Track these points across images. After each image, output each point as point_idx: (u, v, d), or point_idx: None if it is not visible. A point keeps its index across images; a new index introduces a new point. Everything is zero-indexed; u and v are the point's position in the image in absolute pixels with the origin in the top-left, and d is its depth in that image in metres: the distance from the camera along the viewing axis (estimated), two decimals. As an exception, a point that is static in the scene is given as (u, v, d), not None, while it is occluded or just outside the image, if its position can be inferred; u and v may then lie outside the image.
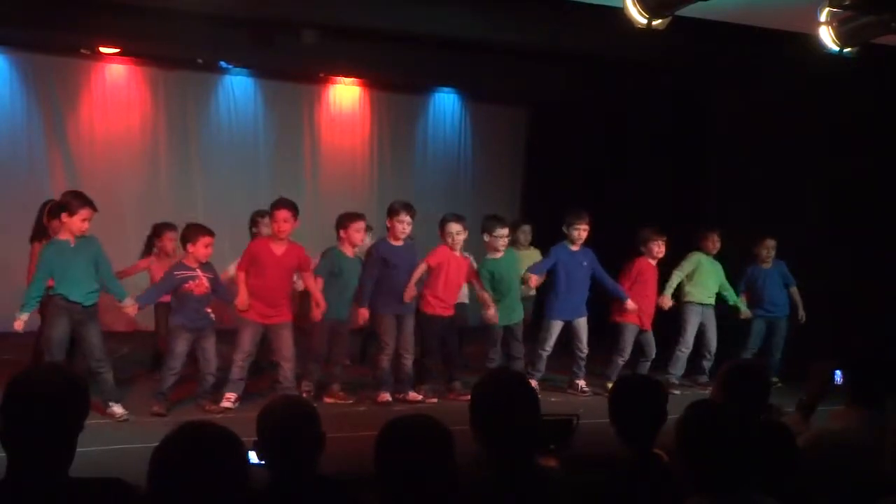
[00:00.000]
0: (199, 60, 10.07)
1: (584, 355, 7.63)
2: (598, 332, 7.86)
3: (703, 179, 9.25)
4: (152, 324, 7.66)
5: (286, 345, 6.67)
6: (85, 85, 9.94)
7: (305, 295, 7.14)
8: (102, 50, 9.65)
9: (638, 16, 5.53)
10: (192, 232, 6.53)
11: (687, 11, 5.78)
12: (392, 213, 7.03)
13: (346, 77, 11.10)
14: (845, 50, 6.03)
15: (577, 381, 7.65)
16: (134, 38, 8.77)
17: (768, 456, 2.97)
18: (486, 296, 7.27)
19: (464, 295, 7.75)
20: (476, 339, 8.14)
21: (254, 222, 7.70)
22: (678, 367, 7.87)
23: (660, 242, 7.69)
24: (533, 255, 8.38)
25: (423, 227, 8.37)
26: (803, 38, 6.26)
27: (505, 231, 7.36)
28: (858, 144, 8.10)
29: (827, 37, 6.01)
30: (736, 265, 8.14)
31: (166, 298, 6.71)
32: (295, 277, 7.00)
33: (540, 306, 8.02)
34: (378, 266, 6.99)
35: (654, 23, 5.55)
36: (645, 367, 7.68)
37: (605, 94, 10.17)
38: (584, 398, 7.45)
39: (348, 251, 6.98)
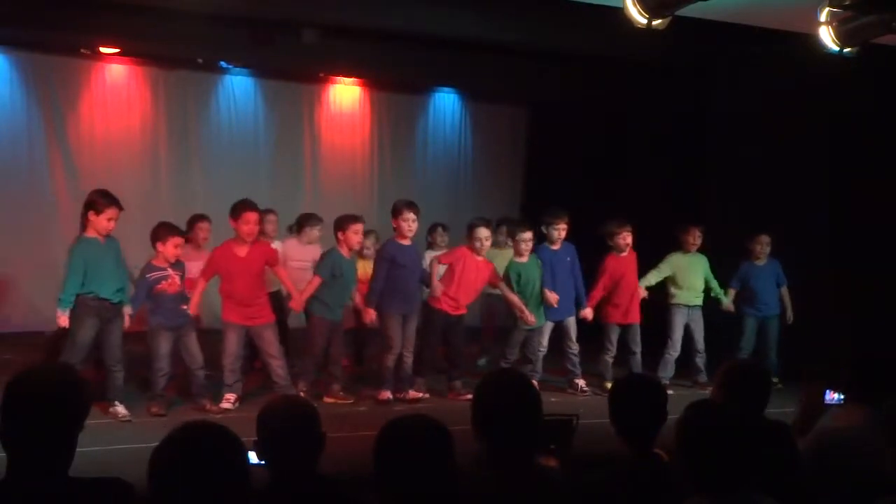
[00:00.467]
0: (199, 60, 10.07)
1: (575, 353, 7.64)
2: (590, 332, 7.87)
3: (702, 179, 9.25)
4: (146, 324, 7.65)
5: (270, 344, 6.68)
6: (85, 85, 9.94)
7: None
8: (102, 50, 9.65)
9: (638, 16, 5.53)
10: (163, 231, 6.52)
11: (687, 11, 5.78)
12: (397, 212, 7.03)
13: (346, 77, 11.10)
14: (845, 50, 6.03)
15: (576, 381, 7.65)
16: (134, 38, 8.77)
17: (768, 456, 2.97)
18: (516, 298, 7.27)
19: None
20: (472, 339, 8.16)
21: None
22: (667, 369, 7.86)
23: (624, 234, 7.65)
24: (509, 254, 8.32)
25: (422, 226, 8.38)
26: (803, 38, 6.25)
27: (528, 235, 7.38)
28: (858, 144, 8.09)
29: (827, 37, 6.00)
30: (731, 265, 8.14)
31: None
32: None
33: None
34: (387, 266, 6.99)
35: (654, 23, 5.55)
36: (636, 363, 7.68)
37: (605, 94, 10.17)
38: (583, 398, 7.45)
39: (346, 253, 6.98)
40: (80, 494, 2.27)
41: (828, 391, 3.75)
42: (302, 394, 6.69)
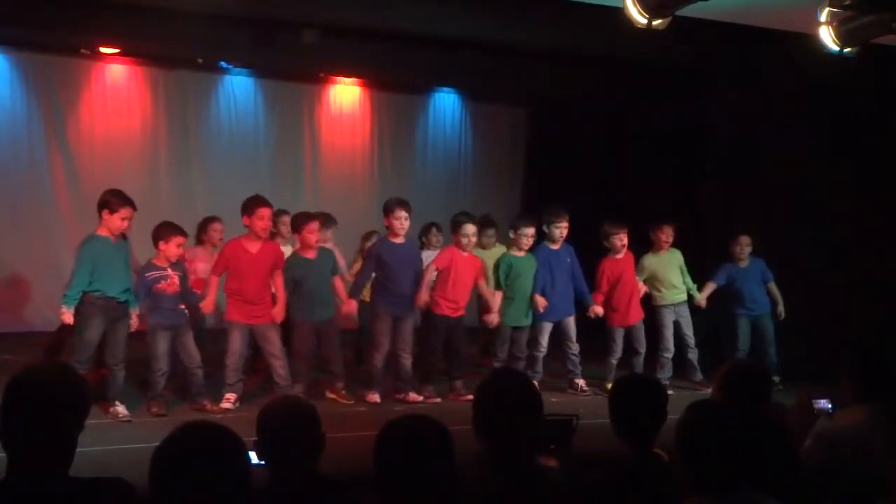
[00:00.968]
0: (200, 60, 10.07)
1: (575, 353, 7.64)
2: (588, 332, 7.87)
3: (702, 179, 9.25)
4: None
5: (273, 344, 6.68)
6: (85, 85, 9.94)
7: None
8: (103, 50, 9.65)
9: (638, 16, 5.53)
10: (165, 231, 6.52)
11: (687, 11, 5.77)
12: (388, 210, 7.03)
13: (346, 77, 11.10)
14: (845, 50, 6.03)
15: (577, 381, 7.65)
16: (134, 38, 8.77)
17: (768, 456, 2.97)
18: (490, 297, 7.27)
19: None
20: (471, 340, 8.15)
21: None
22: (665, 370, 7.85)
23: (621, 235, 7.66)
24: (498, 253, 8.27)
25: (422, 226, 8.40)
26: (803, 38, 6.25)
27: (530, 230, 7.37)
28: (859, 144, 8.09)
29: (827, 37, 6.00)
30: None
31: None
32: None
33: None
34: (373, 264, 6.99)
35: (655, 23, 5.55)
36: (638, 363, 7.70)
37: (605, 94, 10.17)
38: (584, 398, 7.45)
39: (307, 253, 6.95)
40: (81, 494, 2.27)
41: (816, 400, 3.75)
42: (300, 394, 6.70)
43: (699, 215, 8.65)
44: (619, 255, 7.70)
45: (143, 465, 2.10)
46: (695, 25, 6.64)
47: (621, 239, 7.66)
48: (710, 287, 8.05)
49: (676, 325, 7.91)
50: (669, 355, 7.88)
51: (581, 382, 7.65)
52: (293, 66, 10.08)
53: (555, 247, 7.56)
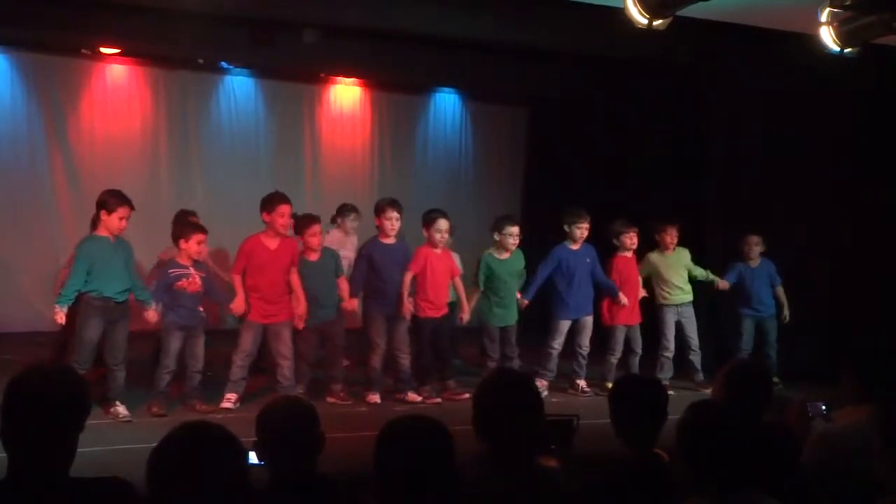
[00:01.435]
0: (200, 60, 10.07)
1: (585, 354, 7.64)
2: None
3: (702, 179, 9.24)
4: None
5: (285, 344, 6.68)
6: (85, 85, 9.94)
7: None
8: (103, 50, 9.65)
9: (638, 16, 5.53)
10: (185, 229, 6.59)
11: (687, 11, 5.78)
12: (379, 210, 7.04)
13: (346, 77, 11.10)
14: (846, 50, 6.03)
15: (578, 382, 7.66)
16: (134, 38, 8.76)
17: (768, 456, 2.97)
18: (463, 295, 7.28)
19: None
20: (472, 340, 8.14)
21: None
22: (665, 370, 7.85)
23: (631, 234, 7.70)
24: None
25: (419, 226, 8.38)
26: (803, 38, 6.26)
27: (515, 230, 7.37)
28: (859, 144, 8.09)
29: (827, 37, 6.01)
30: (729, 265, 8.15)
31: None
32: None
33: (543, 306, 7.97)
34: (366, 264, 7.00)
35: (655, 23, 5.55)
36: (635, 363, 7.71)
37: (605, 93, 10.17)
38: (584, 398, 7.45)
39: (310, 256, 6.94)
40: (81, 494, 2.27)
41: (811, 403, 3.75)
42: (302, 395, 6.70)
43: (699, 215, 8.64)
44: (628, 254, 7.75)
45: (143, 466, 2.10)
46: (695, 25, 6.65)
47: (631, 238, 7.70)
48: (724, 286, 8.04)
49: (679, 325, 7.91)
50: (670, 355, 7.88)
51: (582, 383, 7.64)
52: (293, 66, 10.08)
53: (574, 247, 7.56)
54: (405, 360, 7.10)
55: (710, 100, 9.13)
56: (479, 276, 7.43)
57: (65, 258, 7.29)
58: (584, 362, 7.66)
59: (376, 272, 6.98)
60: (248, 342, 6.63)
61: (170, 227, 7.46)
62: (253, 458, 2.60)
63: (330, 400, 6.91)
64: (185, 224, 6.83)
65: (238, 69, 10.51)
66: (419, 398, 7.05)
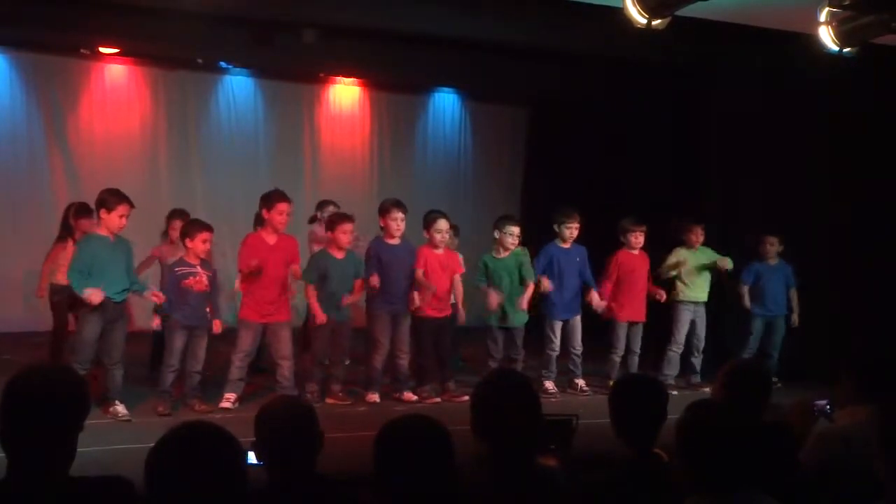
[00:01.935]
0: (199, 60, 10.07)
1: (579, 353, 7.66)
2: (589, 331, 7.86)
3: (702, 179, 9.25)
4: (152, 324, 7.64)
5: (285, 344, 6.68)
6: (85, 85, 9.94)
7: None
8: (102, 50, 9.65)
9: (638, 16, 5.53)
10: (191, 228, 6.58)
11: (687, 11, 5.78)
12: (384, 211, 7.06)
13: (346, 77, 11.10)
14: (845, 50, 6.03)
15: (577, 381, 7.67)
16: (134, 38, 8.77)
17: (768, 456, 2.97)
18: (461, 298, 7.30)
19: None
20: (473, 340, 8.14)
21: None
22: (672, 367, 7.87)
23: (637, 233, 7.71)
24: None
25: (417, 226, 8.37)
26: (803, 38, 6.25)
27: (515, 230, 7.37)
28: (859, 144, 8.09)
29: (827, 37, 6.00)
30: (736, 264, 8.13)
31: None
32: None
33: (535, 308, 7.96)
34: (374, 265, 7.00)
35: (654, 23, 5.55)
36: (634, 362, 7.73)
37: (605, 94, 10.17)
38: (583, 398, 7.45)
39: (336, 253, 6.95)
40: (81, 494, 2.27)
41: (815, 401, 3.76)
42: (310, 395, 6.70)
43: (699, 215, 8.63)
44: (635, 251, 7.75)
45: (143, 466, 2.10)
46: (695, 25, 6.65)
47: (637, 237, 7.71)
48: (744, 290, 8.02)
49: (691, 327, 7.92)
50: (679, 351, 7.90)
51: (581, 382, 7.66)
52: (293, 66, 10.08)
53: (565, 245, 7.58)
54: (404, 361, 7.11)
55: (709, 99, 9.14)
56: (478, 276, 7.44)
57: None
58: (578, 361, 7.68)
59: (381, 272, 6.98)
60: (246, 342, 6.63)
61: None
62: (252, 458, 2.60)
63: (329, 401, 6.90)
64: (189, 222, 6.83)
65: (237, 69, 10.51)
66: (415, 398, 7.06)
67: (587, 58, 8.89)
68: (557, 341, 7.60)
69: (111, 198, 6.10)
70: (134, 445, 5.13)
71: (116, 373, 6.21)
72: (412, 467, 2.39)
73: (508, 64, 9.50)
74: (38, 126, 9.74)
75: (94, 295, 5.91)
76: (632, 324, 7.78)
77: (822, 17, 5.97)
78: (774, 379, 7.31)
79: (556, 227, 7.59)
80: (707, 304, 7.99)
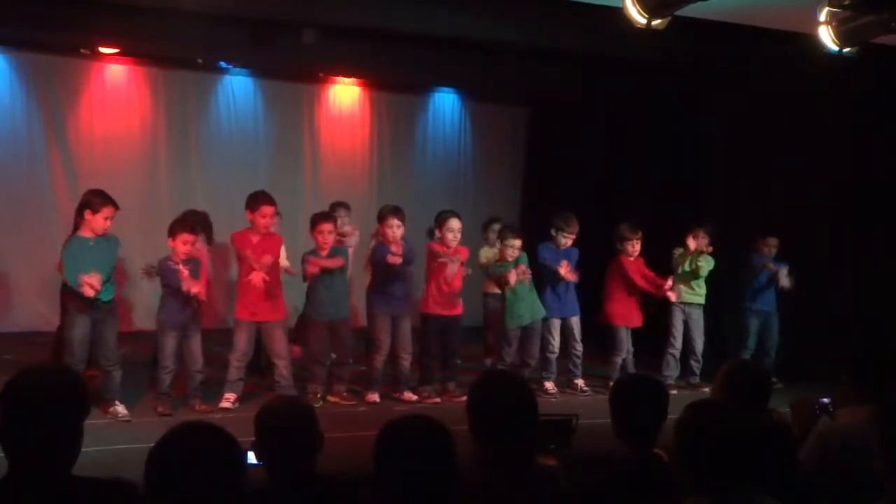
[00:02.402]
0: (199, 60, 10.06)
1: (579, 353, 7.68)
2: (588, 333, 7.87)
3: (702, 179, 9.25)
4: (152, 324, 7.64)
5: (280, 343, 6.68)
6: (85, 85, 9.93)
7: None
8: (102, 50, 9.64)
9: (637, 15, 5.53)
10: (173, 228, 6.55)
11: (687, 11, 5.77)
12: (381, 218, 7.09)
13: (345, 77, 11.09)
14: (845, 50, 6.03)
15: (576, 381, 7.68)
16: (134, 38, 8.76)
17: (768, 456, 2.97)
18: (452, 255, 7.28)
19: None
20: (472, 340, 8.15)
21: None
22: (671, 368, 7.87)
23: (634, 241, 7.72)
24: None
25: (423, 225, 8.38)
26: (803, 38, 6.25)
27: (518, 242, 7.37)
28: (858, 144, 8.09)
29: (826, 37, 6.00)
30: (737, 264, 8.14)
31: None
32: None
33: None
34: (381, 268, 7.01)
35: (654, 23, 5.54)
36: (629, 362, 7.75)
37: (605, 94, 10.17)
38: (583, 398, 7.46)
39: (322, 253, 6.94)
40: (82, 494, 2.27)
41: (823, 400, 3.76)
42: (312, 396, 6.70)
43: (698, 215, 8.63)
44: (632, 258, 7.77)
45: (143, 466, 2.10)
46: (694, 25, 6.64)
47: (634, 245, 7.73)
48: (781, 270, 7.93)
49: (687, 328, 7.92)
50: (676, 353, 7.90)
51: (580, 382, 7.66)
52: (292, 65, 10.07)
53: (561, 248, 7.58)
54: (406, 361, 7.11)
55: (709, 99, 9.14)
56: (494, 268, 7.44)
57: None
58: (578, 361, 7.69)
59: (382, 273, 6.99)
60: (241, 342, 6.64)
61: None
62: (251, 458, 2.60)
63: (332, 399, 6.91)
64: (173, 223, 6.79)
65: (237, 69, 10.50)
66: (415, 397, 7.07)
67: (587, 58, 8.90)
68: (557, 342, 7.59)
69: (96, 199, 6.09)
70: (134, 445, 5.14)
71: (115, 374, 6.21)
72: (413, 467, 2.39)
73: (508, 64, 9.50)
74: (38, 126, 9.73)
75: (88, 283, 5.83)
76: (629, 328, 7.79)
77: (822, 16, 5.97)
78: (774, 379, 7.33)
79: (553, 231, 7.60)
80: (705, 307, 7.99)
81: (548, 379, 7.57)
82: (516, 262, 7.35)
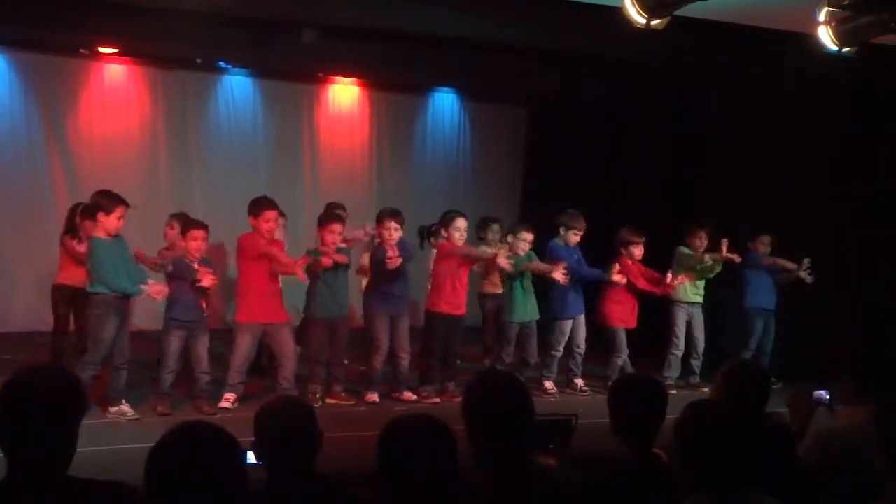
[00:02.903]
0: (198, 60, 10.06)
1: (581, 352, 7.69)
2: (587, 333, 7.88)
3: (702, 179, 9.25)
4: (152, 324, 7.64)
5: (286, 344, 6.68)
6: (84, 85, 9.93)
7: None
8: (101, 50, 9.64)
9: (637, 15, 5.53)
10: (185, 226, 6.64)
11: (686, 11, 5.78)
12: (379, 220, 7.11)
13: (345, 77, 11.09)
14: (844, 50, 6.03)
15: (576, 381, 7.68)
16: (133, 38, 8.76)
17: (768, 456, 2.97)
18: (482, 253, 7.38)
19: None
20: (471, 339, 8.15)
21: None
22: (673, 369, 7.88)
23: (638, 245, 7.72)
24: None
25: (417, 228, 8.38)
26: (802, 38, 6.26)
27: (530, 236, 7.49)
28: (858, 144, 8.10)
29: (826, 37, 6.01)
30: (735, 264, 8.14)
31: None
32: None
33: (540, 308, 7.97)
34: (380, 269, 7.02)
35: (653, 22, 5.55)
36: (627, 363, 7.75)
37: (604, 93, 10.18)
38: (583, 398, 7.46)
39: (326, 251, 6.96)
40: (81, 495, 2.26)
41: (821, 392, 3.76)
42: (312, 396, 6.70)
43: (698, 215, 8.64)
44: (631, 262, 7.78)
45: (143, 466, 2.10)
46: (694, 25, 6.65)
47: (639, 249, 7.73)
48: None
49: (689, 327, 7.93)
50: (679, 353, 7.91)
51: (580, 382, 7.67)
52: (292, 65, 10.08)
53: (570, 245, 7.60)
54: (405, 361, 7.12)
55: (708, 99, 9.14)
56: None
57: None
58: (580, 360, 7.71)
59: (382, 273, 7.00)
60: (244, 346, 6.61)
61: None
62: (251, 458, 2.60)
63: (330, 401, 6.90)
64: (185, 221, 6.87)
65: (236, 69, 10.50)
66: (414, 397, 7.07)
67: (587, 58, 8.90)
68: (564, 341, 7.62)
69: (106, 200, 6.13)
70: (134, 445, 5.15)
71: (123, 372, 6.23)
72: (414, 466, 2.40)
73: (508, 64, 9.50)
74: (38, 126, 9.73)
75: (158, 290, 6.20)
76: (627, 329, 7.80)
77: (822, 16, 5.98)
78: (773, 379, 7.33)
79: (561, 230, 7.62)
80: (703, 306, 8.00)
81: (548, 378, 7.58)
82: (528, 258, 7.46)
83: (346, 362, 7.27)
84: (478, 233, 8.19)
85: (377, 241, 7.30)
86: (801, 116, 8.22)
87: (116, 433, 5.69)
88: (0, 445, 2.27)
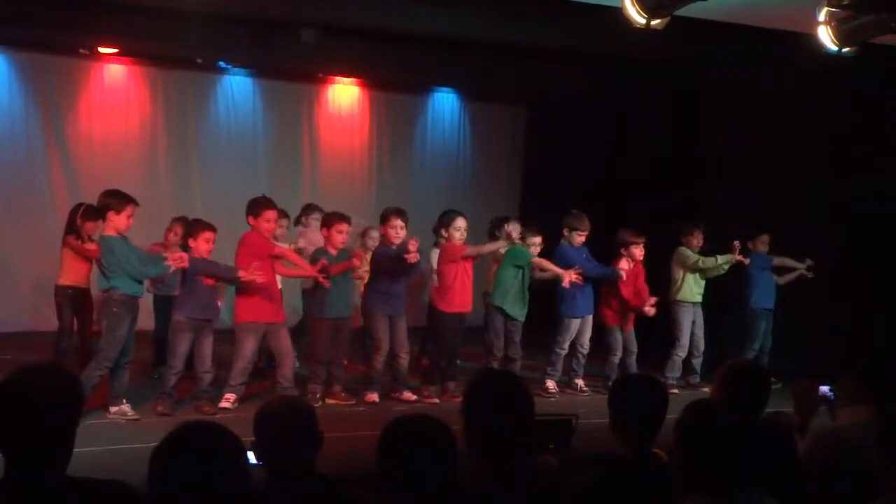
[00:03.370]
0: (199, 60, 10.07)
1: (585, 353, 7.69)
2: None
3: (702, 179, 9.26)
4: (151, 323, 7.64)
5: (285, 343, 6.69)
6: (84, 85, 9.94)
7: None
8: (101, 50, 9.66)
9: (636, 15, 5.54)
10: (194, 228, 6.64)
11: (686, 11, 5.79)
12: (384, 219, 7.10)
13: (345, 77, 11.10)
14: (844, 49, 6.04)
15: (576, 380, 7.68)
16: (133, 38, 8.78)
17: (768, 456, 2.97)
18: (494, 245, 7.37)
19: None
20: (471, 339, 8.14)
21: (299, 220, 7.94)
22: (674, 369, 7.88)
23: (641, 246, 7.71)
24: None
25: (422, 226, 8.38)
26: (802, 38, 6.26)
27: (538, 239, 7.52)
28: (857, 144, 8.10)
29: (826, 36, 6.01)
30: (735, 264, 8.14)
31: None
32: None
33: (550, 306, 7.94)
34: (382, 269, 7.03)
35: (653, 22, 5.56)
36: (632, 363, 7.74)
37: (604, 93, 10.18)
38: (583, 397, 7.46)
39: (332, 251, 6.96)
40: (81, 495, 2.26)
41: (823, 387, 3.76)
42: (312, 395, 6.70)
43: (698, 215, 8.64)
44: (632, 263, 7.76)
45: (145, 466, 2.10)
46: (694, 25, 6.65)
47: (640, 250, 7.70)
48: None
49: (691, 328, 7.92)
50: (683, 354, 7.91)
51: (580, 382, 7.67)
52: (292, 65, 10.09)
53: (575, 246, 7.63)
54: (405, 360, 7.11)
55: (708, 99, 9.15)
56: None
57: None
58: (583, 361, 7.70)
59: (382, 275, 7.00)
60: (248, 348, 6.59)
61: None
62: (251, 458, 2.60)
63: (330, 401, 6.90)
64: (192, 223, 6.88)
65: (236, 69, 10.52)
66: (414, 397, 7.07)
67: (586, 57, 8.91)
68: (567, 341, 7.61)
69: (115, 199, 6.14)
70: (134, 445, 5.14)
71: (126, 371, 6.23)
72: (415, 466, 2.40)
73: (508, 63, 9.50)
74: (37, 126, 9.74)
75: (179, 256, 6.23)
76: (623, 329, 7.79)
77: (822, 16, 5.98)
78: (773, 378, 7.32)
79: (566, 231, 7.62)
80: (703, 305, 8.01)
81: (551, 377, 7.56)
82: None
83: (345, 362, 7.27)
84: (493, 231, 8.17)
85: (371, 243, 7.31)
86: (801, 116, 8.23)
87: (117, 433, 5.69)
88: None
